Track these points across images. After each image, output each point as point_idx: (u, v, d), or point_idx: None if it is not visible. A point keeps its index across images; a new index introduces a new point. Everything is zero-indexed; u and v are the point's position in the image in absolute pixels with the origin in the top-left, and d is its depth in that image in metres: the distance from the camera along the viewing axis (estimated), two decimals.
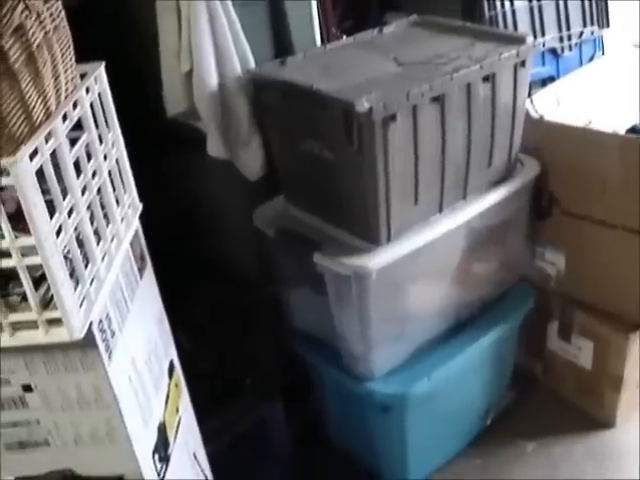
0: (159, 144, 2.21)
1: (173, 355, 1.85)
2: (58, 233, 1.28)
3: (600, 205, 2.34)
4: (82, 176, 1.39)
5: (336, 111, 1.86)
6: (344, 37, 2.49)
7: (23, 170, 1.17)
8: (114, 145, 1.57)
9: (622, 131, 2.50)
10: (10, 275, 1.31)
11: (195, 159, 2.25)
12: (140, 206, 1.68)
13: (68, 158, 1.34)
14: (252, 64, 2.11)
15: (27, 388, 1.45)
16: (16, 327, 1.33)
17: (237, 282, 2.33)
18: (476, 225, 2.21)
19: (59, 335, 1.32)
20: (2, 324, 1.31)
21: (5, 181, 1.18)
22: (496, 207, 2.23)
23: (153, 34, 2.10)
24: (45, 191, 1.26)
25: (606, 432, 2.60)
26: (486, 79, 2.05)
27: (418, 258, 2.08)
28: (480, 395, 2.51)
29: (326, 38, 2.47)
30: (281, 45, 2.30)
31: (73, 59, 1.42)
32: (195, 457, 1.94)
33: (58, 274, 1.26)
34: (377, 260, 1.99)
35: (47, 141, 1.27)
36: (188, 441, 1.90)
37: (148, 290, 1.73)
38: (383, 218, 1.98)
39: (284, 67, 2.12)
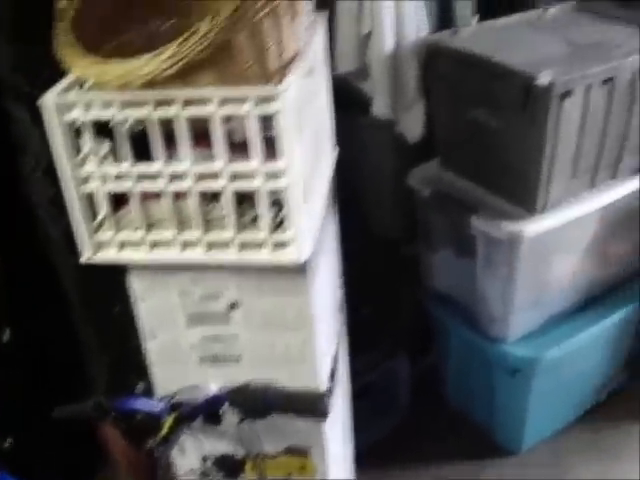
0: None
1: (341, 293, 1.98)
2: None
3: None
4: (311, 113, 1.52)
5: (515, 83, 1.96)
6: (476, 16, 2.58)
7: (288, 98, 1.30)
8: (326, 89, 1.70)
9: None
10: (241, 198, 1.44)
11: (353, 119, 2.37)
12: (337, 149, 1.81)
13: (306, 95, 1.46)
14: (426, 32, 2.22)
15: (233, 305, 1.58)
16: (243, 246, 1.45)
17: (382, 238, 2.45)
18: (619, 206, 2.29)
19: (285, 256, 1.44)
20: (232, 242, 1.44)
21: (269, 108, 1.30)
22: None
23: None
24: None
25: None
26: None
27: (566, 230, 2.18)
28: (598, 370, 2.60)
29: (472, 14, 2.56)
30: (444, 17, 2.40)
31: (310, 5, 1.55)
32: (345, 395, 2.07)
33: (298, 198, 1.39)
34: (532, 227, 2.09)
35: None
36: (343, 378, 2.03)
37: (333, 228, 1.86)
38: (543, 188, 2.07)
39: (456, 37, 2.22)
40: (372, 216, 2.52)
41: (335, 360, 1.81)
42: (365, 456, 2.30)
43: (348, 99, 2.34)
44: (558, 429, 2.61)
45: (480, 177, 2.24)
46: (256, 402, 1.48)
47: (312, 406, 1.46)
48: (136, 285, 1.60)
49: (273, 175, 1.37)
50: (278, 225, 1.44)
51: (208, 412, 1.59)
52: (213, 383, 1.63)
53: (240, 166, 1.38)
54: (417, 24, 2.20)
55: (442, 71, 2.20)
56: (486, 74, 2.07)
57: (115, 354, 2.21)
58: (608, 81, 2.03)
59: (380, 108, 2.25)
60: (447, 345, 2.58)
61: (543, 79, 1.89)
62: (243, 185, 1.39)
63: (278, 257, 1.45)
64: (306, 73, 1.46)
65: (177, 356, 1.68)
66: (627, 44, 2.14)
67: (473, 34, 2.26)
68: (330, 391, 1.76)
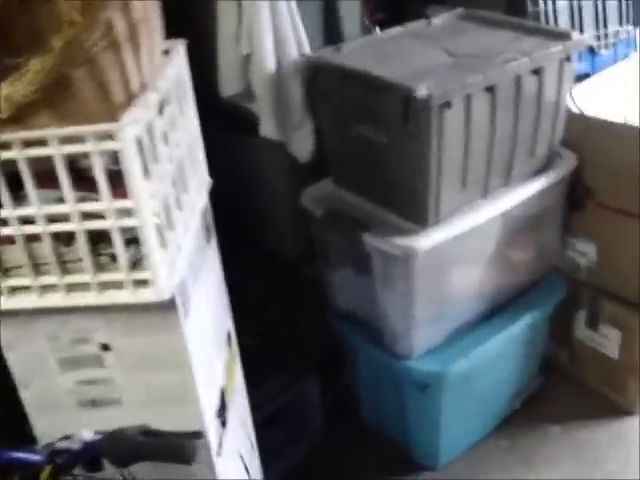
0: (211, 125, 2.27)
1: (230, 325, 1.93)
2: None
3: (634, 198, 2.40)
4: (167, 146, 1.47)
5: (395, 96, 1.93)
6: (377, 28, 2.56)
7: (129, 135, 1.24)
8: (190, 119, 1.65)
9: None
10: (98, 238, 1.39)
11: (245, 140, 2.33)
12: (209, 180, 1.76)
13: (158, 128, 1.41)
14: (308, 50, 2.18)
15: (105, 347, 1.52)
16: (104, 287, 1.40)
17: (283, 260, 2.41)
18: (516, 213, 2.28)
19: (145, 295, 1.39)
20: (91, 283, 1.39)
21: (110, 145, 1.25)
22: (536, 196, 2.31)
23: (209, 18, 2.17)
24: None
25: (628, 419, 2.68)
26: (534, 72, 2.12)
27: (462, 241, 2.15)
28: (511, 378, 2.59)
29: (360, 28, 2.54)
30: (330, 33, 2.38)
31: (161, 35, 1.50)
32: (244, 425, 2.02)
33: (151, 236, 1.33)
34: (425, 241, 2.06)
35: None
36: (240, 409, 1.98)
37: (213, 260, 1.81)
38: (432, 201, 2.05)
39: (339, 53, 2.19)
40: (273, 238, 2.48)
41: (222, 394, 1.76)
42: None
43: (239, 121, 2.31)
44: (475, 440, 2.59)
45: (371, 193, 2.21)
46: (125, 449, 1.42)
47: (178, 452, 1.40)
48: (2, 333, 1.53)
49: (124, 213, 1.32)
50: (137, 263, 1.40)
51: (87, 459, 1.53)
52: (93, 428, 1.57)
53: (89, 206, 1.32)
54: (297, 42, 2.16)
55: (325, 88, 2.17)
56: (367, 89, 2.04)
57: (9, 402, 2.13)
58: (490, 89, 2.02)
59: (267, 129, 2.21)
60: (357, 363, 2.55)
61: (421, 91, 1.87)
62: (95, 225, 1.34)
63: (139, 296, 1.39)
64: (158, 105, 1.41)
65: (54, 403, 1.62)
66: (509, 50, 2.13)
67: (356, 49, 2.23)
68: (222, 424, 1.73)
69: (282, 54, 2.14)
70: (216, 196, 1.90)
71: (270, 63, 2.12)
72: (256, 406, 2.11)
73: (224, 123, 2.32)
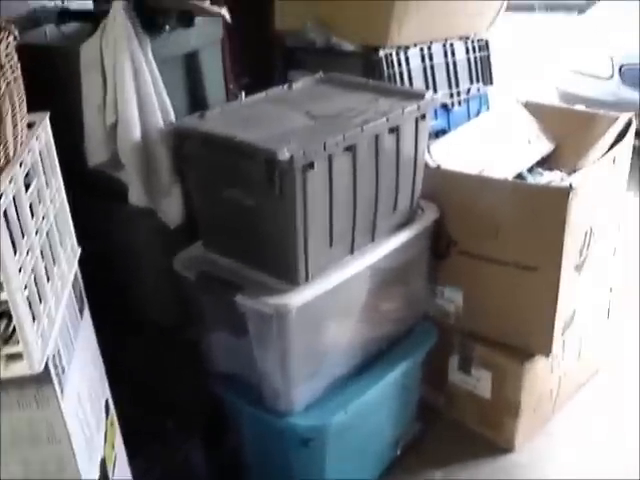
0: (79, 194, 2.27)
1: (108, 394, 1.92)
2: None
3: (494, 244, 2.55)
4: (35, 219, 1.48)
5: (258, 160, 1.99)
6: (242, 93, 2.64)
7: None
8: (57, 190, 1.66)
9: (510, 177, 2.74)
10: None
11: (114, 208, 2.34)
12: (79, 249, 1.77)
13: (25, 202, 1.42)
14: (173, 117, 2.23)
15: None
16: None
17: (157, 327, 2.41)
18: (383, 266, 2.37)
19: (19, 369, 1.38)
20: None
21: None
22: (400, 249, 2.41)
23: (73, 88, 2.19)
24: None
25: (507, 456, 2.79)
26: (391, 131, 2.23)
27: (333, 296, 2.22)
28: (390, 426, 2.65)
29: (224, 94, 2.62)
30: (195, 100, 2.44)
31: (25, 109, 1.51)
32: None
33: (22, 309, 1.34)
34: (296, 299, 2.11)
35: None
36: (122, 478, 1.96)
37: (87, 330, 1.80)
38: (301, 259, 2.11)
39: (203, 120, 2.24)
40: (148, 305, 2.47)
41: (103, 465, 1.75)
42: None
43: (109, 190, 2.32)
44: None
45: (243, 255, 2.25)
46: None
47: None
48: None
49: None
50: (9, 337, 1.39)
51: None
52: None
53: None
54: (162, 110, 2.20)
55: (192, 154, 2.21)
56: (232, 153, 2.09)
57: None
58: (350, 149, 2.11)
59: (136, 197, 2.23)
60: (241, 424, 2.54)
61: (283, 154, 1.93)
62: None
63: (13, 371, 1.39)
64: (21, 178, 1.42)
65: None
66: (367, 111, 2.24)
67: (220, 115, 2.28)
68: None
69: (147, 122, 2.17)
70: (89, 266, 1.91)
71: (135, 131, 2.15)
72: (138, 476, 2.09)
73: (95, 192, 2.33)
